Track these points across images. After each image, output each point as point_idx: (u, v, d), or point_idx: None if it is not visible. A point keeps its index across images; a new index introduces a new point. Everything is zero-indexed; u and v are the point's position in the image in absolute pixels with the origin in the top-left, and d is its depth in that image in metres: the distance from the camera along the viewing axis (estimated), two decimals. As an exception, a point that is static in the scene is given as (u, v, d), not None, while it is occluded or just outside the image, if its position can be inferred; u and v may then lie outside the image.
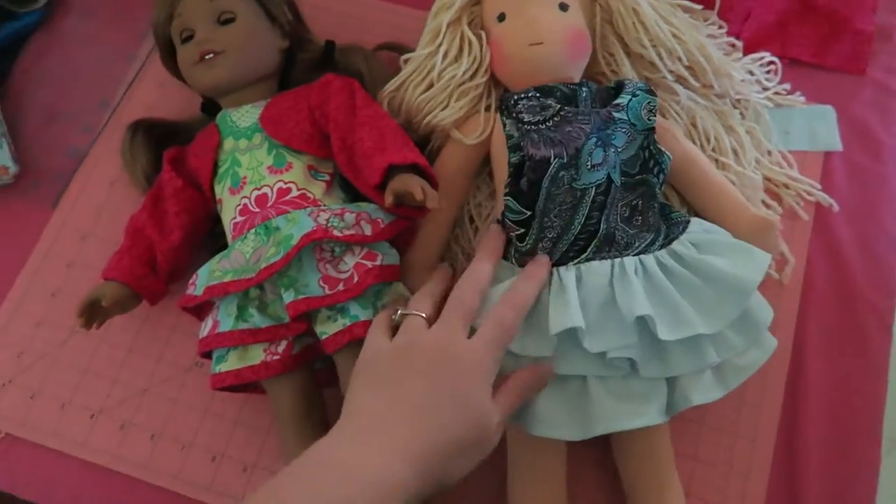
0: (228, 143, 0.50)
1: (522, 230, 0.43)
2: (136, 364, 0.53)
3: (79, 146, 0.60)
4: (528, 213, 0.43)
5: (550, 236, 0.43)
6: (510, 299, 0.40)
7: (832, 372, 0.51)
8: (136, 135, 0.55)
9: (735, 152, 0.54)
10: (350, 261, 0.44)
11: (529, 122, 0.45)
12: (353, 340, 0.43)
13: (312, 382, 0.47)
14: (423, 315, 0.40)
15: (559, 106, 0.46)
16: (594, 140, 0.45)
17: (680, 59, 0.51)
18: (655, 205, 0.46)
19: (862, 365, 0.51)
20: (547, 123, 0.45)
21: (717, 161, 0.53)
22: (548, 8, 0.49)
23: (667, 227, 0.46)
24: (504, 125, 0.47)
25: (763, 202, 0.54)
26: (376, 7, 0.64)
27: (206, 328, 0.46)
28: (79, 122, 0.60)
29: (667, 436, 0.44)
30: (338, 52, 0.56)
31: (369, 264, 0.44)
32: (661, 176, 0.47)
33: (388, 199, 0.43)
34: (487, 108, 0.50)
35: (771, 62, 0.58)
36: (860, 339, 0.52)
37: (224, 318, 0.45)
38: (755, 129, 0.55)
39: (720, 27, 0.56)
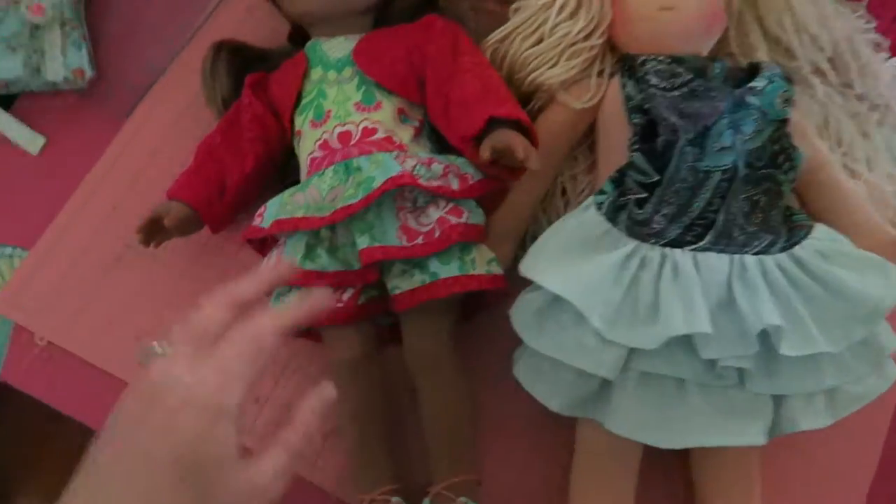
0: (316, 73, 0.46)
1: (644, 195, 0.39)
2: (189, 290, 0.50)
3: (158, 61, 0.57)
4: (657, 177, 0.39)
5: (666, 212, 0.39)
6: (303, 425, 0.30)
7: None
8: (219, 55, 0.52)
9: (868, 162, 0.48)
10: (434, 214, 0.41)
11: (656, 86, 0.41)
12: (431, 300, 0.39)
13: (373, 338, 0.43)
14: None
15: (690, 76, 0.41)
16: (726, 121, 0.40)
17: (822, 50, 0.46)
18: (780, 204, 0.41)
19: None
20: (674, 92, 0.41)
21: (846, 168, 0.47)
22: (685, -30, 0.44)
23: (788, 231, 0.41)
24: (623, 86, 0.42)
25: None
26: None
27: (269, 262, 0.43)
28: (161, 37, 0.58)
29: (758, 460, 0.39)
30: None
31: (454, 220, 0.40)
32: (792, 174, 0.42)
33: (486, 153, 0.39)
34: (600, 74, 0.46)
35: (917, 70, 0.52)
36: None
37: (290, 256, 0.42)
38: (893, 141, 0.49)
39: (867, 21, 0.51)
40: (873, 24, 0.51)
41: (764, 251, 0.39)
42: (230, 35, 0.57)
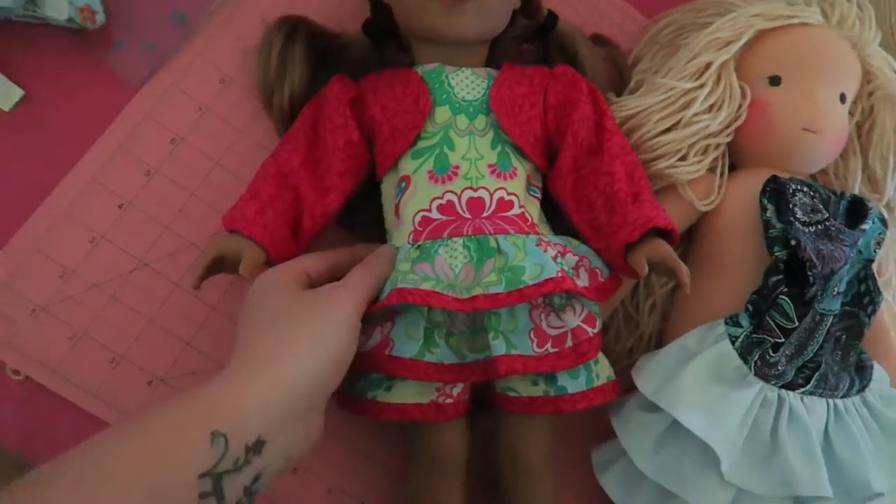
0: (442, 114, 0.39)
1: (781, 340, 0.39)
2: (218, 330, 0.41)
3: (188, 12, 0.44)
4: (796, 324, 0.39)
5: (787, 353, 0.39)
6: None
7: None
8: (294, 40, 0.42)
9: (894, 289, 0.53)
10: (570, 321, 0.37)
11: (799, 220, 0.40)
12: (555, 414, 0.37)
13: (469, 427, 0.39)
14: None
15: (828, 215, 0.41)
16: (847, 267, 0.41)
17: (901, 189, 0.48)
18: (858, 344, 0.44)
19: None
20: (811, 228, 0.40)
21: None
22: (832, 93, 0.44)
23: (856, 370, 0.44)
24: (764, 209, 0.41)
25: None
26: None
27: (370, 340, 0.36)
28: (196, -20, 0.44)
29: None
30: (561, 30, 0.46)
31: (590, 332, 0.37)
32: (873, 317, 0.44)
33: (643, 269, 0.36)
34: (721, 172, 0.45)
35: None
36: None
37: (404, 340, 0.36)
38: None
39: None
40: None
41: (846, 394, 0.42)
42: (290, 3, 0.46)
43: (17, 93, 0.40)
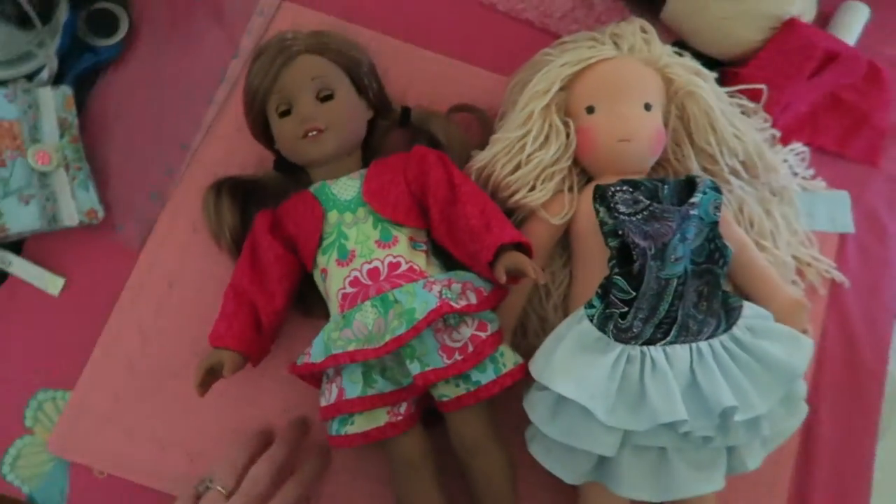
0: (333, 216, 0.53)
1: (625, 309, 0.49)
2: (229, 407, 0.56)
3: (159, 189, 0.61)
4: (633, 294, 0.49)
5: (641, 317, 0.50)
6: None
7: (837, 427, 0.60)
8: (220, 195, 0.57)
9: (772, 234, 0.61)
10: (466, 332, 0.49)
11: (624, 213, 0.51)
12: (478, 403, 0.49)
13: (427, 437, 0.51)
14: (222, 489, 0.47)
15: (648, 202, 0.52)
16: (678, 237, 0.51)
17: (737, 156, 0.58)
18: (719, 293, 0.53)
19: (859, 422, 0.61)
20: (637, 216, 0.51)
21: (757, 243, 0.60)
22: (635, 106, 0.54)
23: (725, 313, 0.53)
24: (598, 212, 0.52)
25: (790, 279, 0.62)
26: (448, 64, 0.67)
27: (331, 395, 0.50)
28: (160, 164, 0.61)
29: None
30: (414, 117, 0.60)
31: (483, 335, 0.49)
32: (725, 267, 0.53)
33: (502, 277, 0.48)
34: (570, 189, 0.56)
35: (802, 151, 0.65)
36: (860, 398, 0.62)
37: (350, 385, 0.49)
38: (788, 214, 0.63)
39: (765, 120, 0.63)
40: (770, 122, 0.63)
41: (712, 335, 0.51)
42: (226, 155, 0.62)
43: (59, 280, 0.57)
